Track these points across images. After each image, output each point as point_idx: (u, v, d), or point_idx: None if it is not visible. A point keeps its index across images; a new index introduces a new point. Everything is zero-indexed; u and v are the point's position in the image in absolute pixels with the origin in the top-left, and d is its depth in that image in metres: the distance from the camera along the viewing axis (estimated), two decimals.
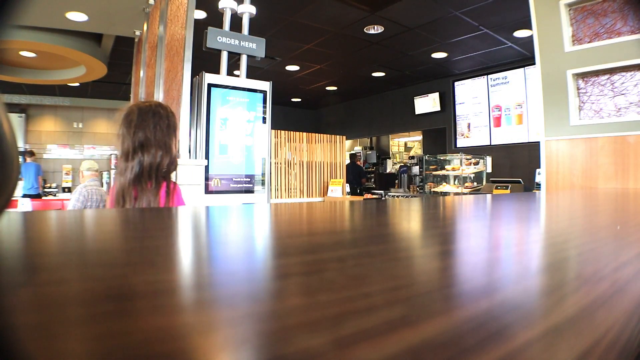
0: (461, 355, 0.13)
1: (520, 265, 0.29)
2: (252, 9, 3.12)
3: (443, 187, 5.60)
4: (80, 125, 9.43)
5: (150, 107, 1.43)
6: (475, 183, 5.53)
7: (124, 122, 1.36)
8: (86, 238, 0.40)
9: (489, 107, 6.87)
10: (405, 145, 11.59)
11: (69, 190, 8.32)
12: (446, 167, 5.70)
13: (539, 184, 3.06)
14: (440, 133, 7.76)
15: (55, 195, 8.10)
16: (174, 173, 1.45)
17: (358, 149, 10.87)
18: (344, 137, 7.72)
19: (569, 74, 2.28)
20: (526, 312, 0.17)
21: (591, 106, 2.24)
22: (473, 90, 7.11)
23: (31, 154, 7.79)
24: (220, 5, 3.06)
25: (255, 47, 3.04)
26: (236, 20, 3.10)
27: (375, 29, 5.16)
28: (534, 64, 2.50)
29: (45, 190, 8.28)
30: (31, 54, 6.07)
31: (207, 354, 0.12)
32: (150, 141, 1.35)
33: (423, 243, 0.40)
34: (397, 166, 9.33)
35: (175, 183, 1.45)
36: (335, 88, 8.51)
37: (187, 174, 2.55)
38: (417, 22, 4.92)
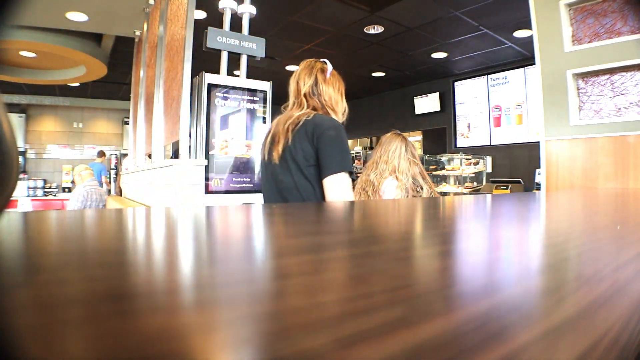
0: (461, 355, 0.13)
1: (520, 265, 0.29)
2: (252, 9, 3.12)
3: (443, 187, 5.60)
4: (80, 125, 9.43)
5: None
6: (475, 183, 5.53)
7: None
8: (85, 238, 0.40)
9: (489, 107, 6.87)
10: None
11: (69, 190, 8.32)
12: (446, 167, 5.70)
13: (539, 184, 3.06)
14: (440, 133, 7.75)
15: (55, 195, 8.10)
16: None
17: (358, 148, 10.87)
18: None
19: (569, 74, 2.27)
20: (526, 313, 0.17)
21: (591, 106, 2.24)
22: (473, 90, 7.11)
23: (101, 154, 7.55)
24: (220, 5, 3.06)
25: (255, 47, 3.04)
26: (236, 20, 3.09)
27: (375, 29, 5.16)
28: (534, 64, 2.49)
29: (45, 190, 8.29)
30: (31, 54, 6.06)
31: (207, 354, 0.12)
32: None
33: (423, 243, 0.40)
34: None
35: None
36: None
37: (187, 174, 2.55)
38: (417, 22, 4.91)
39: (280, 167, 1.36)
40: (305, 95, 1.41)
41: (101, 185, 6.81)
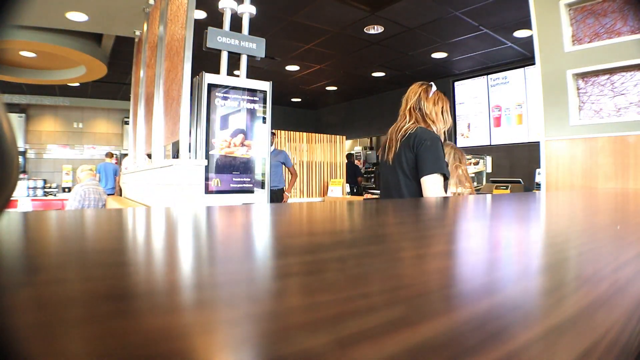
0: (461, 355, 0.13)
1: (520, 265, 0.29)
2: (252, 9, 3.11)
3: None
4: (80, 125, 9.42)
5: None
6: (475, 183, 5.53)
7: None
8: (85, 238, 0.40)
9: (489, 107, 6.87)
10: None
11: (69, 190, 8.32)
12: None
13: (539, 184, 3.06)
14: None
15: (55, 195, 8.11)
16: None
17: (358, 149, 10.86)
18: (344, 137, 7.68)
19: (569, 74, 2.27)
20: (526, 313, 0.17)
21: (591, 106, 2.24)
22: (473, 90, 7.11)
23: (110, 154, 7.35)
24: (220, 5, 3.06)
25: (255, 47, 3.04)
26: (236, 20, 3.09)
27: (375, 29, 5.16)
28: (534, 64, 2.49)
29: (45, 190, 8.29)
30: (31, 54, 6.06)
31: (207, 354, 0.12)
32: None
33: (422, 243, 0.40)
34: None
35: None
36: (335, 88, 8.51)
37: (187, 174, 2.55)
38: (417, 22, 4.91)
39: (390, 169, 1.73)
40: (410, 109, 1.77)
41: (114, 186, 6.64)
